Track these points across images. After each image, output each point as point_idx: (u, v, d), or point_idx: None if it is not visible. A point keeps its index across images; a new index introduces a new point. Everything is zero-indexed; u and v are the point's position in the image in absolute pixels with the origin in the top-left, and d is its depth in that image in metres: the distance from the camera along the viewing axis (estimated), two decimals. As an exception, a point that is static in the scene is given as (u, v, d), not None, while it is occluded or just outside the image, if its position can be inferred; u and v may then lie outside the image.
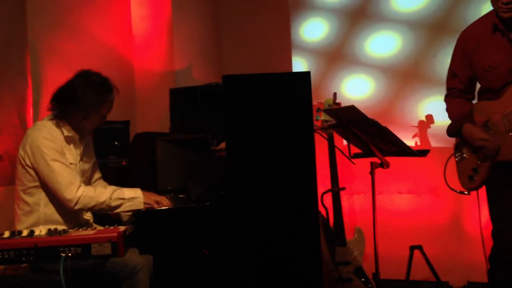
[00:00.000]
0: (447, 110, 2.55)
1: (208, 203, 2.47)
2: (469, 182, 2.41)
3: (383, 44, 4.53)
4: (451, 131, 2.48)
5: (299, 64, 4.89)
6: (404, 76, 4.42)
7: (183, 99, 3.99)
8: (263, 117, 2.54)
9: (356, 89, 4.62)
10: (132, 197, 2.64)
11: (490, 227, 2.38)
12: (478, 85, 2.51)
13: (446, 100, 2.57)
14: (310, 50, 4.89)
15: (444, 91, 2.66)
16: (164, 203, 2.69)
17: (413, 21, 4.37)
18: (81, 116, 2.67)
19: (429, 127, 4.22)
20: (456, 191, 2.54)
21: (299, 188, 2.54)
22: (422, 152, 3.10)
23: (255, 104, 2.55)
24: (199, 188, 2.98)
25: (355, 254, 3.59)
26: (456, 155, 2.49)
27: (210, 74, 4.99)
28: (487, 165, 2.29)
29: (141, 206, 2.61)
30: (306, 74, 2.59)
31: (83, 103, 2.63)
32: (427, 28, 4.31)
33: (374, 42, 4.57)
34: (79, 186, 2.57)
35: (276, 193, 2.51)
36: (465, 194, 2.50)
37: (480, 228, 2.53)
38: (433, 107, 4.14)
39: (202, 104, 3.83)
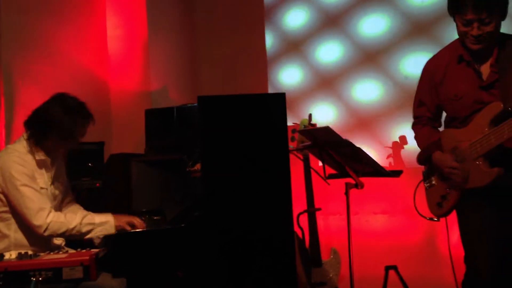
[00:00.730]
0: (416, 138, 2.57)
1: (183, 225, 2.45)
2: (438, 209, 2.43)
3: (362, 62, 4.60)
4: (421, 158, 2.51)
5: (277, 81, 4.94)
6: (381, 95, 4.49)
7: (159, 120, 3.98)
8: (239, 138, 2.55)
9: (331, 109, 4.67)
10: (102, 222, 2.60)
11: (461, 249, 2.41)
12: (444, 114, 2.54)
13: (414, 128, 2.60)
14: (287, 70, 4.94)
15: None
16: (137, 224, 2.66)
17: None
18: (55, 140, 2.63)
19: (403, 147, 4.28)
20: (425, 217, 2.56)
21: (275, 209, 2.54)
22: (395, 173, 3.13)
23: (230, 125, 2.55)
24: (175, 209, 2.95)
25: (331, 275, 3.58)
26: (425, 182, 2.52)
27: (186, 95, 4.99)
28: (455, 192, 2.32)
29: (112, 230, 2.57)
30: (281, 96, 2.61)
31: (58, 127, 2.60)
32: (399, 50, 4.40)
33: (354, 58, 4.63)
34: (49, 212, 2.53)
35: (252, 214, 2.50)
36: (435, 220, 2.52)
37: (449, 251, 2.55)
38: (407, 128, 4.19)
39: (178, 125, 3.82)
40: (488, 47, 2.24)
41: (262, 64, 5.00)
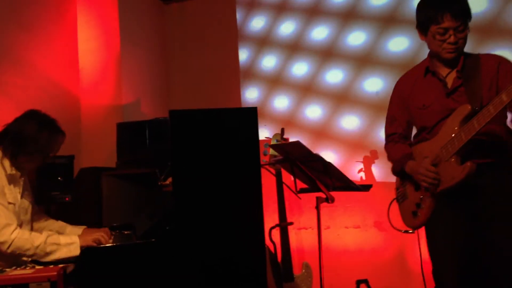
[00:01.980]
0: (389, 155, 2.62)
1: (153, 240, 2.42)
2: (413, 219, 2.45)
3: (334, 77, 4.67)
4: (396, 170, 2.56)
5: (250, 95, 4.96)
6: (352, 111, 4.55)
7: (130, 134, 3.95)
8: (210, 152, 2.54)
9: (306, 120, 4.72)
10: (68, 243, 2.56)
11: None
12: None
13: (387, 147, 2.65)
14: (260, 85, 4.97)
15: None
16: (103, 241, 2.62)
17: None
18: (29, 156, 2.64)
19: (374, 162, 4.33)
20: (400, 230, 2.58)
21: (246, 223, 2.54)
22: (365, 187, 3.18)
23: (202, 139, 2.55)
24: (145, 224, 2.93)
25: (302, 289, 3.59)
26: (399, 196, 2.56)
27: (159, 108, 4.98)
28: (430, 199, 2.36)
29: (77, 252, 2.52)
30: (253, 110, 2.63)
31: (32, 144, 2.62)
32: (373, 64, 4.48)
33: (326, 74, 4.70)
34: (15, 228, 2.50)
35: (223, 228, 2.50)
36: (410, 232, 2.55)
37: (421, 265, 2.58)
38: (378, 143, 4.24)
39: (150, 138, 3.80)
40: (457, 56, 2.36)
41: (235, 78, 5.02)
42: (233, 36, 5.06)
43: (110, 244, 2.60)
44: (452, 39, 2.29)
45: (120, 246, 2.55)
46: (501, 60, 2.36)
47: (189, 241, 2.43)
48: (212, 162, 2.53)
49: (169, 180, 3.01)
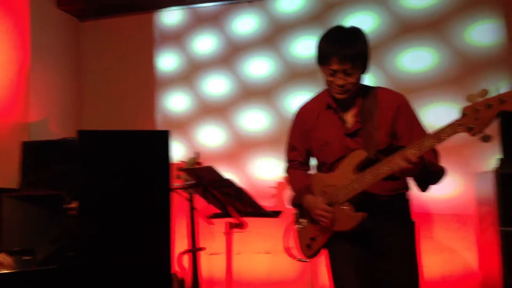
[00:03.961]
0: (289, 181, 2.67)
1: (54, 266, 2.31)
2: (307, 250, 2.51)
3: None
4: (294, 201, 2.60)
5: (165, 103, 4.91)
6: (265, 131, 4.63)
7: (36, 153, 3.77)
8: (120, 175, 2.49)
9: (221, 136, 4.74)
10: None
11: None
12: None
13: (287, 172, 2.70)
14: (178, 105, 4.95)
15: None
16: None
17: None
18: None
19: (286, 188, 4.41)
20: (295, 258, 2.62)
21: (154, 249, 2.48)
22: (274, 213, 3.22)
23: (112, 162, 2.49)
24: (47, 249, 2.79)
25: (211, 316, 3.54)
26: (297, 224, 2.61)
27: (69, 127, 4.80)
28: (324, 235, 2.42)
29: None
30: (166, 133, 2.61)
31: None
32: (282, 89, 4.59)
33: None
34: None
35: (130, 254, 2.43)
36: (304, 261, 2.59)
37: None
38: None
39: (58, 159, 3.64)
40: (352, 97, 2.38)
41: (151, 98, 4.95)
42: (149, 55, 5.01)
43: (6, 271, 2.44)
44: (340, 81, 2.31)
45: (17, 273, 2.41)
46: (400, 102, 2.38)
47: (93, 268, 2.34)
48: (122, 186, 2.47)
49: (75, 203, 2.89)
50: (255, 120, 4.69)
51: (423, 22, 4.27)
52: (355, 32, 2.35)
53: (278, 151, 4.42)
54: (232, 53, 4.83)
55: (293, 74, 4.62)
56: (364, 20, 4.38)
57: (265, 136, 4.64)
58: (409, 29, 4.31)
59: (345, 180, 2.31)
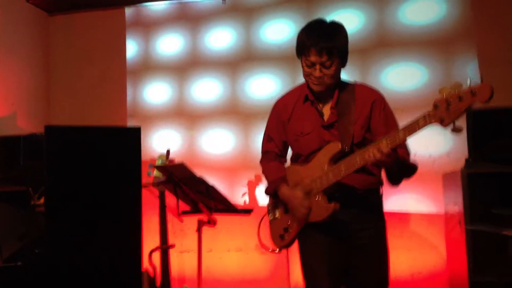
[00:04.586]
0: (264, 172, 2.68)
1: (19, 263, 2.27)
2: (280, 241, 2.53)
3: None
4: (269, 191, 2.62)
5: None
6: (238, 135, 4.63)
7: (3, 149, 3.70)
8: (89, 171, 2.45)
9: (193, 140, 4.71)
10: None
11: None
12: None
13: (262, 163, 2.71)
14: (148, 102, 4.90)
15: None
16: None
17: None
18: None
19: (258, 186, 4.42)
20: (268, 250, 2.64)
21: (123, 247, 2.46)
22: (246, 211, 3.22)
23: (80, 158, 2.45)
24: (14, 246, 2.74)
25: (181, 313, 3.53)
26: (270, 216, 2.62)
27: (39, 123, 4.71)
28: (297, 225, 2.44)
29: None
30: (136, 130, 2.58)
31: None
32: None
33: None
34: None
35: (98, 251, 2.40)
36: (276, 252, 2.61)
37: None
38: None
39: (25, 155, 3.58)
40: (329, 90, 2.43)
41: (122, 94, 4.89)
42: (120, 50, 4.95)
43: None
44: (317, 73, 2.36)
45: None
46: (376, 98, 2.44)
47: (60, 265, 2.31)
48: (90, 182, 2.44)
49: (43, 200, 2.85)
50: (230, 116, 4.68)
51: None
52: (335, 27, 2.40)
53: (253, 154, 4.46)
54: (203, 47, 4.81)
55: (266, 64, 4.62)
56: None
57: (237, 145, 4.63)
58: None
59: (320, 171, 2.34)
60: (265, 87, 4.58)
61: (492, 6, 4.13)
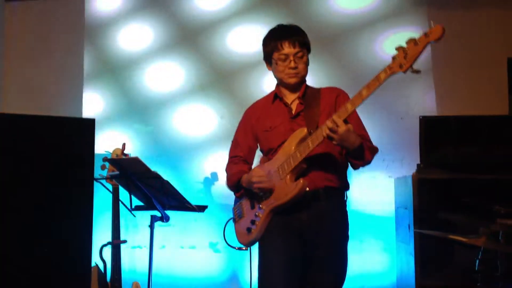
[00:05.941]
0: (228, 172, 2.72)
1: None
2: (247, 235, 2.54)
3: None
4: (232, 181, 2.64)
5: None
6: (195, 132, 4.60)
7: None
8: (38, 162, 2.39)
9: (148, 137, 4.66)
10: None
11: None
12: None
13: (227, 168, 2.75)
14: (104, 94, 4.80)
15: None
16: None
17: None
18: None
19: (213, 183, 4.42)
20: (234, 247, 2.65)
21: (73, 241, 2.41)
22: (200, 208, 3.21)
23: (29, 148, 2.39)
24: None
25: (130, 310, 3.49)
26: (235, 216, 2.64)
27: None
28: (264, 216, 2.45)
29: None
30: (90, 121, 2.53)
31: None
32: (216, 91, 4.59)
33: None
34: None
35: (48, 246, 2.35)
36: (243, 249, 2.62)
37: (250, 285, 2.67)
38: (218, 165, 4.31)
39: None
40: (300, 84, 2.58)
41: (78, 85, 4.77)
42: (78, 40, 4.83)
43: None
44: (292, 64, 2.50)
45: None
46: (340, 92, 2.59)
47: (5, 260, 2.24)
48: (39, 173, 2.37)
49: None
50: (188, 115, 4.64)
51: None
52: (298, 27, 2.61)
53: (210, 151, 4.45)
54: (168, 40, 4.75)
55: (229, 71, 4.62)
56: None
57: (195, 136, 4.61)
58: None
59: (287, 155, 2.42)
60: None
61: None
